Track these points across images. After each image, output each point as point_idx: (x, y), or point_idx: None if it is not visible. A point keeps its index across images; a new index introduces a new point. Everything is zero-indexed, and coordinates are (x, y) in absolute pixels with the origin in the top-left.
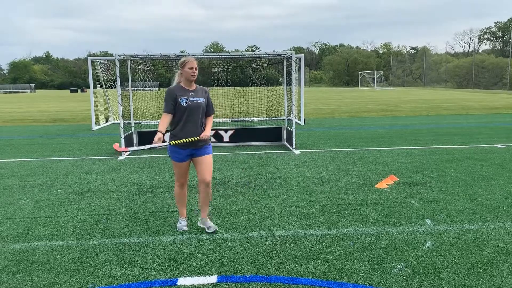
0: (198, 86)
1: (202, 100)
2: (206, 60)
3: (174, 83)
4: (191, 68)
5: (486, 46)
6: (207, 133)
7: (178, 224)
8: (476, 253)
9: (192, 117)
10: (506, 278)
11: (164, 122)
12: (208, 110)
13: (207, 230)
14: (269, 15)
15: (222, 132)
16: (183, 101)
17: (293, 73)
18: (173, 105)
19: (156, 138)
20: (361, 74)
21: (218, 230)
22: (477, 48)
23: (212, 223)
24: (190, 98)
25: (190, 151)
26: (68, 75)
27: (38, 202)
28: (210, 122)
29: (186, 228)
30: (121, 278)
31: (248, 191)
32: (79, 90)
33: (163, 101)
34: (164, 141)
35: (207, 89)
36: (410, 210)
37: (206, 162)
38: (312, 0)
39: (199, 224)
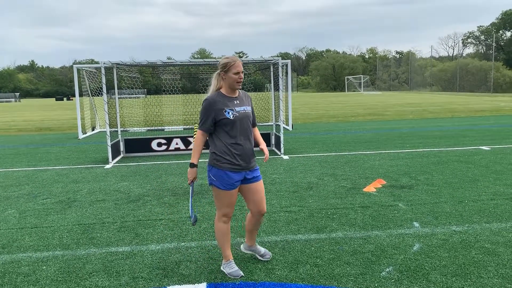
0: (240, 91)
1: (249, 109)
2: (193, 67)
3: (211, 90)
4: (237, 73)
5: (469, 50)
6: (267, 150)
7: (232, 271)
8: (464, 255)
9: (242, 131)
10: (493, 278)
11: (199, 147)
12: (254, 120)
13: (261, 258)
14: (256, 22)
15: None
16: (228, 113)
17: (280, 79)
18: (213, 121)
19: (191, 176)
20: (348, 79)
21: (207, 237)
22: (461, 52)
23: (265, 249)
24: (237, 108)
25: (243, 175)
26: (54, 84)
27: (24, 212)
28: (259, 134)
29: (242, 274)
30: None
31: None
32: (65, 99)
33: (150, 108)
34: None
35: (249, 95)
36: (398, 213)
37: (261, 189)
38: (299, 7)
39: (243, 250)
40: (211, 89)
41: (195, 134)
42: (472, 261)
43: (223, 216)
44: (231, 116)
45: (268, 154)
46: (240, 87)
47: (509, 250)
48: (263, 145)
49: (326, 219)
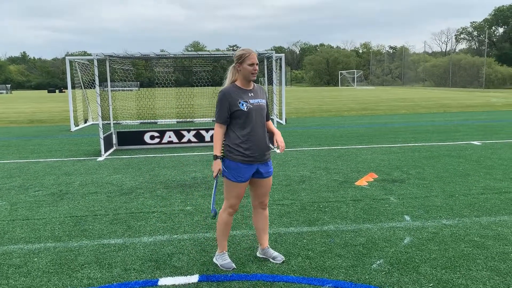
0: (255, 84)
1: (263, 101)
2: (186, 60)
3: (227, 83)
4: (252, 65)
5: (462, 45)
6: (283, 143)
7: (224, 263)
8: (453, 248)
9: (256, 124)
10: (482, 271)
11: (219, 138)
12: (268, 113)
13: (273, 261)
14: (250, 16)
15: (203, 132)
16: (243, 105)
17: (274, 73)
18: (228, 113)
19: (215, 169)
20: (341, 73)
21: (199, 230)
22: (454, 48)
23: (277, 253)
24: (251, 101)
25: (255, 168)
26: (46, 76)
27: (15, 204)
28: (273, 126)
29: (234, 266)
30: (101, 280)
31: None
32: (57, 91)
33: (143, 101)
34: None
35: (264, 88)
36: (389, 207)
37: (269, 184)
38: (293, 1)
39: (258, 255)
40: (227, 81)
41: None
42: (461, 254)
43: (230, 207)
44: (245, 108)
45: (283, 145)
46: (255, 78)
47: (498, 243)
48: (277, 135)
49: (318, 212)
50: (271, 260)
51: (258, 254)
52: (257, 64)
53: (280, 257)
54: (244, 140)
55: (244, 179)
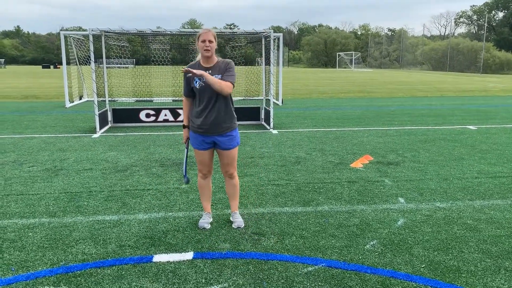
0: (220, 60)
1: (218, 77)
2: (183, 38)
3: (196, 60)
4: (204, 41)
5: (461, 29)
6: (207, 75)
7: (201, 220)
8: (446, 230)
9: (209, 100)
10: (474, 253)
11: (185, 109)
12: (224, 78)
13: (233, 226)
14: None
15: None
16: (196, 82)
17: (271, 52)
18: (189, 87)
19: (184, 136)
20: (339, 55)
21: (194, 207)
22: (453, 32)
23: (240, 219)
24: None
25: (212, 139)
26: (40, 51)
27: (9, 179)
28: (222, 81)
29: (208, 226)
30: (96, 256)
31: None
32: (51, 66)
33: (139, 79)
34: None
35: (228, 61)
36: (384, 189)
37: (229, 156)
38: None
39: (230, 219)
40: (196, 59)
41: None
42: (454, 236)
43: (199, 171)
44: (197, 86)
45: (198, 72)
46: (209, 54)
47: (490, 226)
48: (206, 74)
49: (313, 193)
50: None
51: (230, 219)
52: (209, 41)
53: (237, 223)
54: (197, 115)
55: (201, 148)
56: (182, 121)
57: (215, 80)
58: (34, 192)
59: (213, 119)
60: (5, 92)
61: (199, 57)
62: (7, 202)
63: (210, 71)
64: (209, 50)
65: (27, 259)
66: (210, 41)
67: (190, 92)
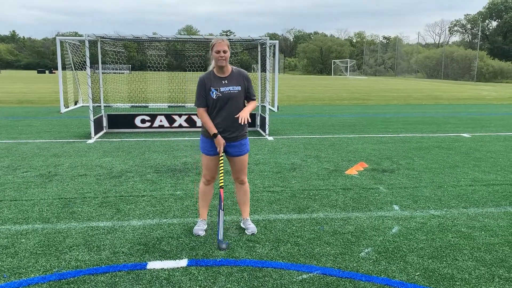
0: (235, 70)
1: (236, 89)
2: (179, 44)
3: (210, 69)
4: (218, 52)
5: (456, 38)
6: (244, 114)
7: (195, 227)
8: (440, 238)
9: (223, 109)
10: (468, 261)
11: (207, 119)
12: (248, 96)
13: (246, 232)
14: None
15: (195, 117)
16: (213, 92)
17: (267, 59)
18: (205, 98)
19: (220, 144)
20: (334, 62)
21: (189, 214)
22: (447, 40)
23: (252, 225)
24: (222, 89)
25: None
26: (36, 56)
27: (3, 185)
28: (251, 104)
29: (203, 233)
30: (89, 262)
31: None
32: (47, 71)
33: (135, 84)
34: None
35: (245, 72)
36: (379, 196)
37: (240, 162)
38: None
39: (241, 225)
40: (210, 68)
41: None
42: (448, 244)
43: (203, 176)
44: (214, 96)
45: (243, 116)
46: (223, 64)
47: (484, 234)
48: (242, 112)
49: (308, 200)
50: (246, 231)
51: (241, 225)
52: (224, 51)
53: (250, 230)
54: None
55: (209, 153)
56: (177, 127)
57: (250, 110)
58: (28, 198)
59: (228, 127)
60: (0, 97)
61: (212, 66)
62: (0, 208)
63: (226, 81)
64: (224, 60)
65: (19, 266)
66: (224, 51)
67: (204, 102)
